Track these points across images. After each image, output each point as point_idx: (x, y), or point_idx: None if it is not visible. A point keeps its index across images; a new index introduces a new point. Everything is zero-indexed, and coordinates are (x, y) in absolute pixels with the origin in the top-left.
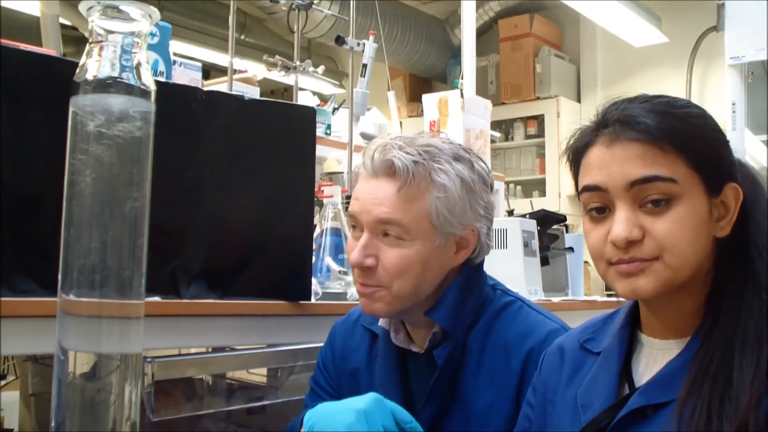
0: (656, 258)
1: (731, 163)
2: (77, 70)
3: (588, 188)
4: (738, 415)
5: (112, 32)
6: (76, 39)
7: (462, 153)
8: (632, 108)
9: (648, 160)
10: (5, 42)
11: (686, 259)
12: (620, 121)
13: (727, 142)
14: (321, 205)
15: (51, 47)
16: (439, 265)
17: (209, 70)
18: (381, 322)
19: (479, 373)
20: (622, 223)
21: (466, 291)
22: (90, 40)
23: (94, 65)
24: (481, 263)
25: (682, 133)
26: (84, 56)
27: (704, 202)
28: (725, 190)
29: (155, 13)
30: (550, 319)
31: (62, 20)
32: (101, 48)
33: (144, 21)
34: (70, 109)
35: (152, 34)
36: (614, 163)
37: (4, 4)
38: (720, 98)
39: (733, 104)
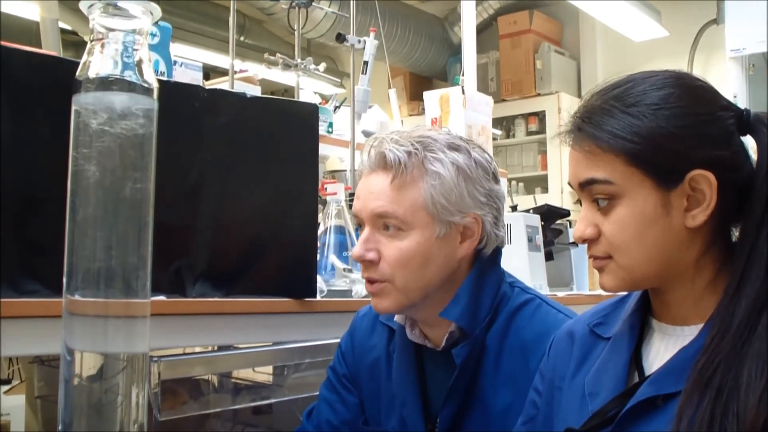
0: (609, 257)
1: (700, 148)
2: (79, 68)
3: (569, 183)
4: (746, 417)
5: (113, 30)
6: (75, 43)
7: (458, 142)
8: (585, 108)
9: (589, 162)
10: (6, 44)
11: (636, 258)
12: (574, 123)
13: (699, 125)
14: (324, 203)
15: (51, 51)
16: (443, 256)
17: (208, 73)
18: (396, 318)
19: (497, 373)
20: (579, 221)
21: (481, 286)
22: (91, 38)
23: (96, 63)
24: (497, 259)
25: (618, 132)
26: (85, 54)
27: (652, 198)
28: (690, 179)
29: (156, 9)
30: (569, 317)
31: (61, 24)
32: (102, 46)
33: (145, 18)
34: (73, 108)
35: (152, 35)
36: (571, 164)
37: (3, 8)
38: (721, 91)
39: (735, 96)
